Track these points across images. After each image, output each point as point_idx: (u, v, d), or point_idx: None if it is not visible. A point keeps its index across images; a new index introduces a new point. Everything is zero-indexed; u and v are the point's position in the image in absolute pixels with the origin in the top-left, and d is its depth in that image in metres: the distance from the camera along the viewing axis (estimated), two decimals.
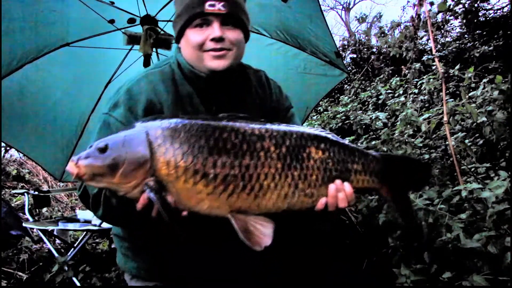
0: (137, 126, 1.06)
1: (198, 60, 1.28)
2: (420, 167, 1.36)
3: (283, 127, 1.15)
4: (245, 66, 1.47)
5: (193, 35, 1.26)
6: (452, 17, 7.08)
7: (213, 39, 1.23)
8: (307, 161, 1.12)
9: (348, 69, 6.56)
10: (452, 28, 7.98)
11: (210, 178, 1.01)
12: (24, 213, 4.00)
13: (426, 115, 3.09)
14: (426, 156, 2.98)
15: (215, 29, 1.23)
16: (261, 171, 1.06)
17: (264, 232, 1.05)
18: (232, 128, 1.08)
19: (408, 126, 3.06)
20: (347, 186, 1.15)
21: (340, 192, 1.13)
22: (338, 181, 1.14)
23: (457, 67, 3.59)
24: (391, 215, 2.24)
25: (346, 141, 1.27)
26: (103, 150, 1.00)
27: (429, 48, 6.98)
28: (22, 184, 6.42)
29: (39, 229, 3.43)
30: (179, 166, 1.00)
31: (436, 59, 2.95)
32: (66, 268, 3.06)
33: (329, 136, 1.19)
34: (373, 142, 3.25)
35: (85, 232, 3.40)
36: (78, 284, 3.07)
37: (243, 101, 1.39)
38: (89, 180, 1.01)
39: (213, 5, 1.22)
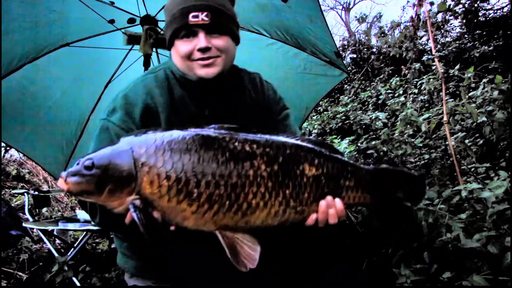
0: (122, 142, 1.05)
1: (188, 69, 1.31)
2: (414, 181, 1.27)
3: (277, 141, 1.11)
4: (240, 69, 1.49)
5: (181, 46, 1.28)
6: (452, 17, 7.08)
7: (199, 49, 1.25)
8: (300, 179, 1.09)
9: (348, 69, 6.57)
10: (452, 28, 7.99)
11: (193, 197, 1.00)
12: (24, 213, 4.00)
13: (426, 115, 3.10)
14: (426, 156, 2.98)
15: (200, 40, 1.25)
16: (250, 190, 1.03)
17: (250, 254, 1.04)
18: (220, 143, 1.05)
19: (408, 126, 3.06)
20: (338, 203, 1.13)
21: (331, 208, 1.12)
22: (329, 198, 1.13)
23: (457, 67, 3.59)
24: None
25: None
26: (89, 168, 1.00)
27: (429, 48, 6.99)
28: (22, 184, 6.42)
29: (39, 229, 3.42)
30: (162, 185, 0.99)
31: (436, 59, 2.95)
32: (66, 268, 3.06)
33: (323, 150, 1.16)
34: (373, 142, 3.25)
35: (85, 232, 3.39)
36: (78, 284, 3.07)
37: (235, 104, 1.41)
38: (78, 195, 1.04)
39: (196, 16, 1.23)
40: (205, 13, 1.23)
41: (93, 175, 1.00)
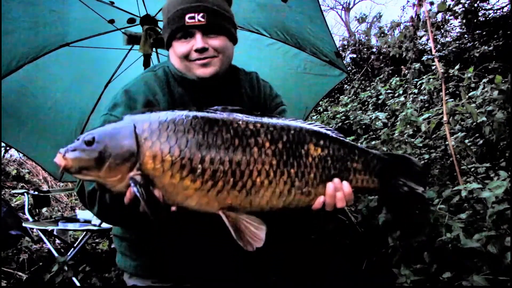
0: (125, 119, 1.03)
1: (186, 69, 1.32)
2: (418, 170, 1.26)
3: (281, 121, 1.11)
4: (238, 68, 1.50)
5: (179, 47, 1.30)
6: (452, 17, 7.07)
7: (196, 50, 1.27)
8: (305, 158, 1.08)
9: (348, 69, 6.56)
10: (452, 28, 7.98)
11: (197, 173, 0.98)
12: (24, 213, 4.00)
13: (426, 115, 3.09)
14: (426, 156, 2.98)
15: (197, 41, 1.26)
16: (254, 168, 1.02)
17: (256, 234, 1.02)
18: (224, 122, 1.04)
19: (408, 126, 3.05)
20: (345, 186, 1.12)
21: (338, 191, 1.11)
22: (336, 180, 1.12)
23: (457, 67, 3.58)
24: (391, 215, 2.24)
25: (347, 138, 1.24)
26: (90, 143, 0.98)
27: (429, 48, 6.99)
28: (22, 184, 6.41)
29: (39, 229, 3.43)
30: (165, 160, 0.97)
31: (436, 59, 2.95)
32: (66, 268, 3.06)
33: (329, 132, 1.16)
34: (373, 142, 3.25)
35: (85, 232, 3.40)
36: (78, 284, 3.07)
37: (232, 102, 1.41)
38: (76, 173, 0.99)
39: (192, 18, 1.25)
40: (201, 14, 1.25)
41: (93, 150, 0.97)
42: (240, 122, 1.05)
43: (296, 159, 1.07)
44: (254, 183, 1.02)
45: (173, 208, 1.02)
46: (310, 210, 1.12)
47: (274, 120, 1.10)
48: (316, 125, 1.17)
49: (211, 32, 1.28)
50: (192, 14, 1.25)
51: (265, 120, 1.09)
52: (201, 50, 1.27)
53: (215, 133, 1.01)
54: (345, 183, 1.13)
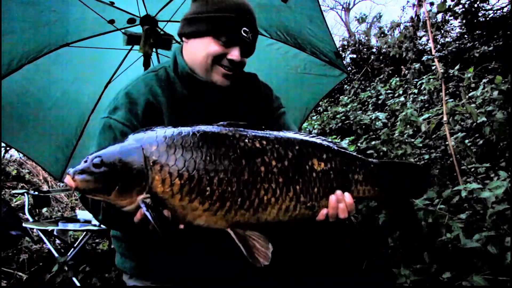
0: (131, 139, 1.03)
1: (204, 68, 1.31)
2: (420, 173, 1.32)
3: (285, 137, 1.12)
4: None
5: (213, 46, 1.28)
6: (451, 17, 7.08)
7: (231, 61, 1.28)
8: (309, 174, 1.10)
9: (348, 69, 6.57)
10: (452, 28, 7.99)
11: (206, 195, 0.99)
12: (24, 213, 4.00)
13: (426, 115, 3.09)
14: (426, 156, 2.98)
15: (237, 54, 1.28)
16: (261, 187, 1.04)
17: (263, 251, 1.04)
18: (231, 141, 1.05)
19: (408, 126, 3.06)
20: (347, 197, 1.14)
21: (340, 203, 1.13)
22: (338, 192, 1.14)
23: (457, 67, 3.59)
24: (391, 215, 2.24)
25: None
26: (98, 166, 0.98)
27: (428, 48, 6.99)
28: (22, 184, 6.41)
29: (39, 229, 3.42)
30: (175, 183, 0.98)
31: (436, 59, 2.95)
32: (66, 268, 3.06)
33: (331, 145, 1.18)
34: (373, 142, 3.25)
35: (85, 232, 3.39)
36: (78, 284, 3.07)
37: (233, 103, 1.42)
38: (86, 193, 1.02)
39: (246, 32, 1.28)
40: (251, 34, 1.29)
41: (102, 173, 0.97)
42: (247, 140, 1.06)
43: (301, 175, 1.09)
44: (261, 201, 1.04)
45: (181, 226, 1.04)
46: (314, 222, 1.14)
47: (278, 135, 1.12)
48: (318, 138, 1.19)
49: (246, 52, 1.32)
50: (247, 29, 1.28)
51: (270, 136, 1.11)
52: (235, 63, 1.29)
53: (222, 153, 1.02)
54: (347, 194, 1.15)
